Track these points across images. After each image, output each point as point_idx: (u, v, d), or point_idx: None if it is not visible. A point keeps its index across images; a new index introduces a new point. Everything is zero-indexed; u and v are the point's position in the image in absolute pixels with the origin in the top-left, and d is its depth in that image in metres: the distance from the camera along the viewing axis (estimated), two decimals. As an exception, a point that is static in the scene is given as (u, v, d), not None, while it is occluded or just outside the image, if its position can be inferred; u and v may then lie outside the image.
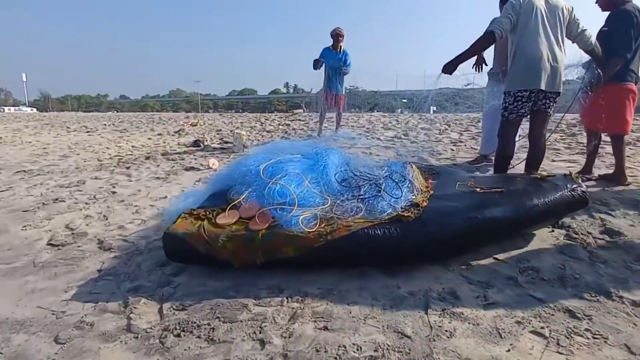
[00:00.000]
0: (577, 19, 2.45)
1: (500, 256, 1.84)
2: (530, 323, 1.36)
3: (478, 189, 1.93)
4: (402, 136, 6.08)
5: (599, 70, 2.66)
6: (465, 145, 5.05)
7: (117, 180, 3.94)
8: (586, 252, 1.81)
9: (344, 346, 1.28)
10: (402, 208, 1.77)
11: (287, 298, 1.61)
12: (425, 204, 1.82)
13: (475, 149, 4.71)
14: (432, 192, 1.99)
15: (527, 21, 2.36)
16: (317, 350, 1.26)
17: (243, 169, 2.11)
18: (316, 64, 6.08)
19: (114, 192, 3.45)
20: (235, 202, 1.88)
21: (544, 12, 2.36)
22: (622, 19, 2.75)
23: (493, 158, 3.91)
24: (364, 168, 2.10)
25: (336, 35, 6.06)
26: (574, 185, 1.88)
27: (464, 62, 2.49)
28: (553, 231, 2.00)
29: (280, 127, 8.89)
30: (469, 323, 1.38)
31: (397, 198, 1.82)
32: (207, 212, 1.89)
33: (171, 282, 1.80)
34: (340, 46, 6.05)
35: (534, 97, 2.43)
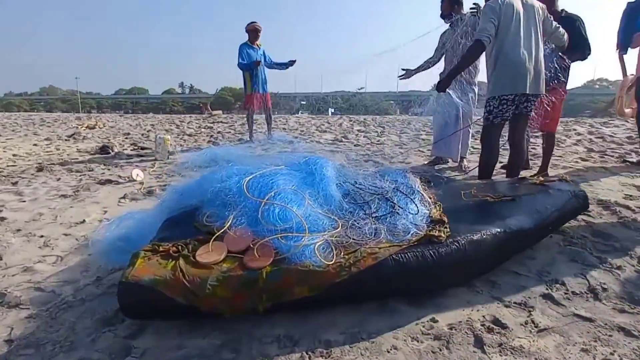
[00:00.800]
0: (550, 16, 2.54)
1: (518, 269, 1.73)
2: (596, 349, 1.24)
3: (489, 199, 1.81)
4: (343, 139, 5.97)
5: (568, 61, 2.81)
6: (410, 147, 5.12)
7: (3, 201, 3.03)
8: (595, 257, 1.81)
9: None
10: (427, 226, 1.54)
11: (307, 353, 1.27)
12: (446, 219, 1.62)
13: (422, 151, 4.80)
14: (440, 204, 1.81)
15: (508, 24, 2.35)
16: None
17: (217, 184, 1.67)
18: (249, 65, 5.55)
19: (2, 219, 2.61)
20: (220, 231, 1.45)
21: (522, 14, 2.37)
22: (574, 22, 2.96)
23: (449, 160, 4.00)
24: (363, 180, 1.83)
25: (254, 30, 5.67)
26: (577, 190, 1.88)
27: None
28: (552, 237, 1.99)
29: (203, 130, 8.13)
30: (536, 358, 1.20)
31: (415, 214, 1.59)
32: (179, 247, 1.43)
33: (131, 349, 1.31)
34: (258, 43, 5.70)
35: (517, 101, 2.43)
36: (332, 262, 1.34)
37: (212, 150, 4.33)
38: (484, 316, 1.43)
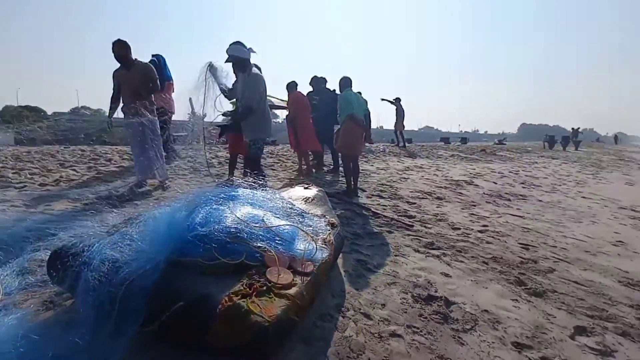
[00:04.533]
0: None
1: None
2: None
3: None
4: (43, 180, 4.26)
5: None
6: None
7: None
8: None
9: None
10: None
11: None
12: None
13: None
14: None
15: (264, 94, 3.83)
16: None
17: (216, 226, 1.76)
18: None
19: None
20: (271, 256, 1.72)
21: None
22: None
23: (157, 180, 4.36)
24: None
25: None
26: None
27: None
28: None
29: None
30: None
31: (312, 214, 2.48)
32: (254, 282, 1.58)
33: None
34: None
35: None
36: (328, 250, 2.06)
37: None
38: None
